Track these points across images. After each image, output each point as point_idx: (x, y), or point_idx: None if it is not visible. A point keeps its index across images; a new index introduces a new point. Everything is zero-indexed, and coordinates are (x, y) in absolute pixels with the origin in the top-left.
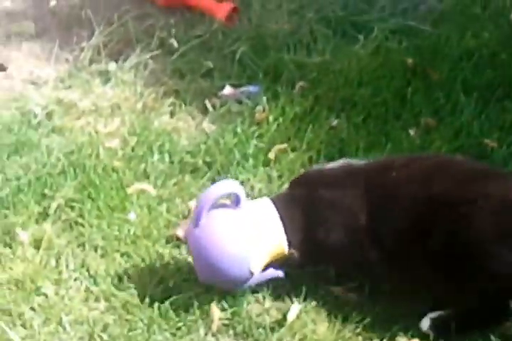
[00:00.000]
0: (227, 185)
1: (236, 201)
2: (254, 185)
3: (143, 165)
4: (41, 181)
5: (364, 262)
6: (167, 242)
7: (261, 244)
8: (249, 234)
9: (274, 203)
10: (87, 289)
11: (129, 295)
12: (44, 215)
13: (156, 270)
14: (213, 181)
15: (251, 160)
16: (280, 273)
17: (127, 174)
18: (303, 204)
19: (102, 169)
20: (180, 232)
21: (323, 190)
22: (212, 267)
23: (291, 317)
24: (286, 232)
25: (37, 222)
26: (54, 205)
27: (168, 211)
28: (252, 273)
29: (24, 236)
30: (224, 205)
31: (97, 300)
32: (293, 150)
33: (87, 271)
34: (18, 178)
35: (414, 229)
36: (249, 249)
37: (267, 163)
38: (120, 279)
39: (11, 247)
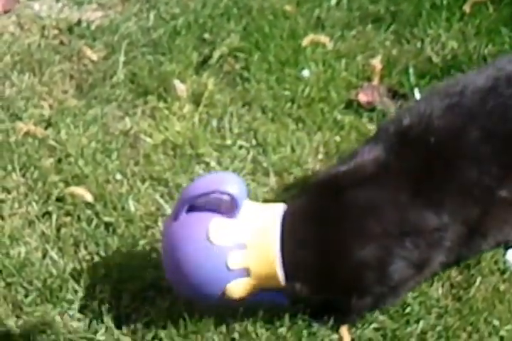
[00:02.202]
0: (221, 184)
1: (232, 205)
2: (446, 42)
3: (317, 11)
4: (200, 23)
5: None
6: (346, 107)
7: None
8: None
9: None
10: (254, 160)
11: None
12: (204, 65)
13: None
14: (397, 35)
15: (443, 13)
16: (283, 300)
17: (300, 21)
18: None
19: (271, 13)
20: (362, 97)
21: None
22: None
23: None
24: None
25: (196, 72)
26: (216, 54)
27: (346, 69)
28: (230, 272)
29: (181, 88)
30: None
31: (265, 174)
32: (493, 2)
33: (255, 137)
34: (173, 17)
35: None
36: (228, 241)
37: (461, 17)
38: (293, 151)
39: (166, 101)
